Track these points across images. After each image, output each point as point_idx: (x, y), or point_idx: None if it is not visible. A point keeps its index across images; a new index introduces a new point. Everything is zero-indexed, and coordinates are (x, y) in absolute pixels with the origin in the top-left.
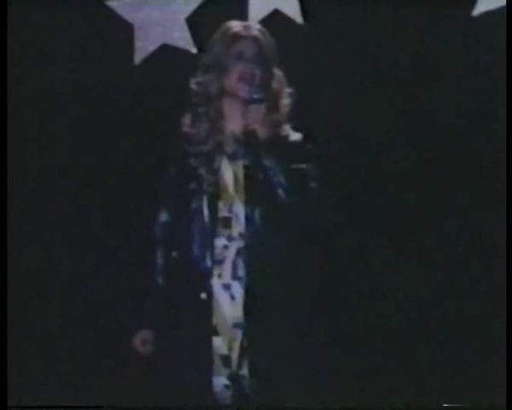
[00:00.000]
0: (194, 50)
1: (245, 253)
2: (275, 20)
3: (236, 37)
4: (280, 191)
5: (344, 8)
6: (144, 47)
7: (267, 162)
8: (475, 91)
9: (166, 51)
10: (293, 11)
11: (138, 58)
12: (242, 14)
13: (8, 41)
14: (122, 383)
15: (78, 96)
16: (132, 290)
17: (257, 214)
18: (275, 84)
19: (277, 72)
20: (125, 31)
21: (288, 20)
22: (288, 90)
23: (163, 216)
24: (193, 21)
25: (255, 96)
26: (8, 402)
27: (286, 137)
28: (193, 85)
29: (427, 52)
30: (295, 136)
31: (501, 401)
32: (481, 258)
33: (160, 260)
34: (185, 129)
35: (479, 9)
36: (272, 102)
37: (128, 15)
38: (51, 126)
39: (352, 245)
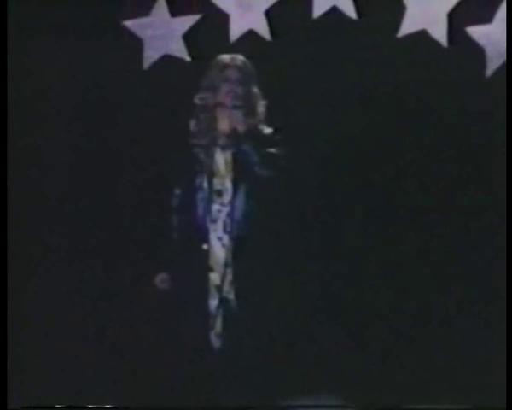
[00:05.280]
0: (188, 59)
1: (232, 214)
2: (249, 37)
3: (225, 66)
4: (255, 169)
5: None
6: (151, 56)
7: (245, 148)
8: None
9: (167, 60)
10: (263, 30)
11: (146, 65)
12: (224, 32)
13: (23, 67)
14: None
15: (98, 99)
16: (154, 244)
17: (241, 187)
18: (253, 98)
19: (255, 89)
20: (136, 44)
21: (260, 38)
22: (263, 102)
23: (177, 190)
24: (187, 37)
25: (236, 103)
26: (9, 403)
27: (260, 132)
28: (196, 100)
29: (369, 68)
30: (267, 130)
31: (501, 401)
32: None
33: (175, 222)
34: (191, 128)
35: (402, 32)
36: (251, 110)
37: (139, 32)
38: (70, 123)
39: (312, 203)
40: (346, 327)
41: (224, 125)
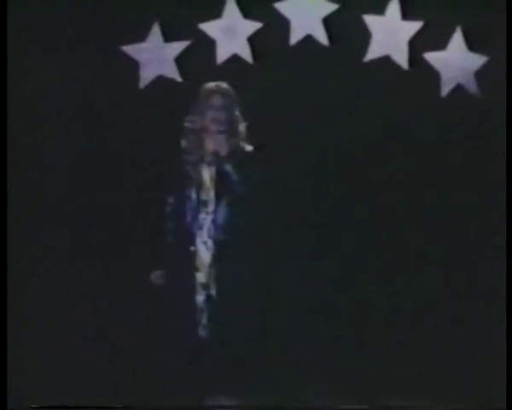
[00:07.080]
0: (179, 80)
1: (215, 222)
2: (234, 61)
3: (211, 92)
4: (235, 185)
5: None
6: (146, 77)
7: (226, 168)
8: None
9: (160, 80)
10: (246, 55)
11: (142, 84)
12: (212, 56)
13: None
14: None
15: (98, 117)
16: (151, 244)
17: (223, 199)
18: (235, 121)
19: (237, 112)
20: (133, 66)
21: (243, 62)
22: (244, 123)
23: (170, 199)
24: (179, 60)
25: (220, 129)
26: (8, 403)
27: (240, 151)
28: (186, 123)
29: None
30: (248, 148)
31: (501, 401)
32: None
33: (168, 226)
34: (183, 145)
35: (368, 57)
36: (233, 132)
37: (135, 55)
38: (69, 131)
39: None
40: (321, 316)
41: (209, 146)
